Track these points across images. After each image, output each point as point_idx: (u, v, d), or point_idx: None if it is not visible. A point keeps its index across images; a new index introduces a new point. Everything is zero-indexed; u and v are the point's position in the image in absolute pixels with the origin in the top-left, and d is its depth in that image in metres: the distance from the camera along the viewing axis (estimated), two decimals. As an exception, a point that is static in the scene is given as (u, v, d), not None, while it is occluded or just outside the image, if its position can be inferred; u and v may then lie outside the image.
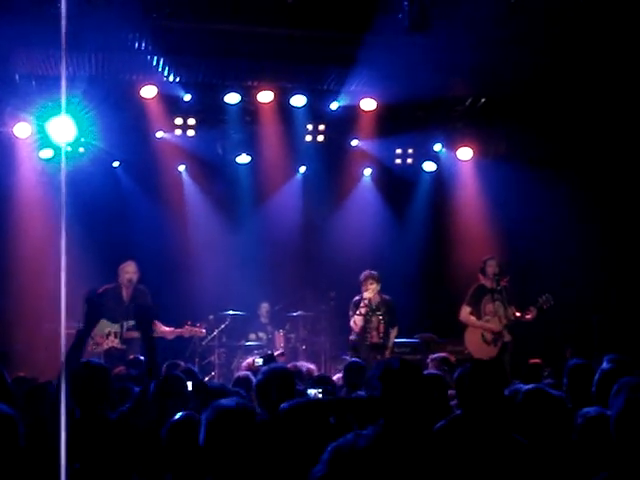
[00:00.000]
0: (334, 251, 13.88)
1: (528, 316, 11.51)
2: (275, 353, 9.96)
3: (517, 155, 13.28)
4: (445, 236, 14.26)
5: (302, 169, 14.52)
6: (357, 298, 11.29)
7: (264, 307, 13.69)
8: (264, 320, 13.63)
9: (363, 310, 11.10)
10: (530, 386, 4.86)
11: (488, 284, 11.76)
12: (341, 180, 14.26)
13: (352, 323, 11.16)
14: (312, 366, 8.51)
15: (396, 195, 14.62)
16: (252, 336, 13.31)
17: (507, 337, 11.63)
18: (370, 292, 11.09)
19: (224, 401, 3.77)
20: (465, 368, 4.62)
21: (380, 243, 13.98)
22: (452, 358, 8.85)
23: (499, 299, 11.71)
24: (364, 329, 11.06)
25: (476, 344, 11.58)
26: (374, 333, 11.12)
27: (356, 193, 14.57)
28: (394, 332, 11.43)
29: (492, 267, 11.72)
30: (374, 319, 11.12)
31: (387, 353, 11.04)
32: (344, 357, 11.44)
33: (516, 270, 12.34)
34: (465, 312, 11.78)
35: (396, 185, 14.41)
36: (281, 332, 13.26)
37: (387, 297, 11.38)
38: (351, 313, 11.21)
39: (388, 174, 14.41)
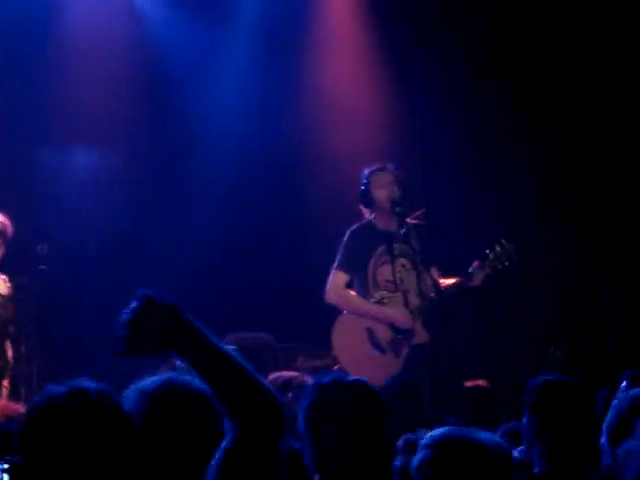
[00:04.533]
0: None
1: (472, 281, 7.03)
2: None
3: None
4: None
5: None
6: None
7: None
8: None
9: None
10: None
11: (381, 223, 7.12)
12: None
13: None
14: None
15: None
16: None
17: (422, 335, 6.99)
18: None
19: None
20: (323, 398, 2.96)
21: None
22: (306, 378, 5.53)
23: (407, 254, 7.01)
24: None
25: (358, 349, 7.09)
26: None
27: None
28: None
29: (387, 185, 7.05)
30: None
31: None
32: None
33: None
34: (336, 283, 7.04)
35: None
36: None
37: None
38: None
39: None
